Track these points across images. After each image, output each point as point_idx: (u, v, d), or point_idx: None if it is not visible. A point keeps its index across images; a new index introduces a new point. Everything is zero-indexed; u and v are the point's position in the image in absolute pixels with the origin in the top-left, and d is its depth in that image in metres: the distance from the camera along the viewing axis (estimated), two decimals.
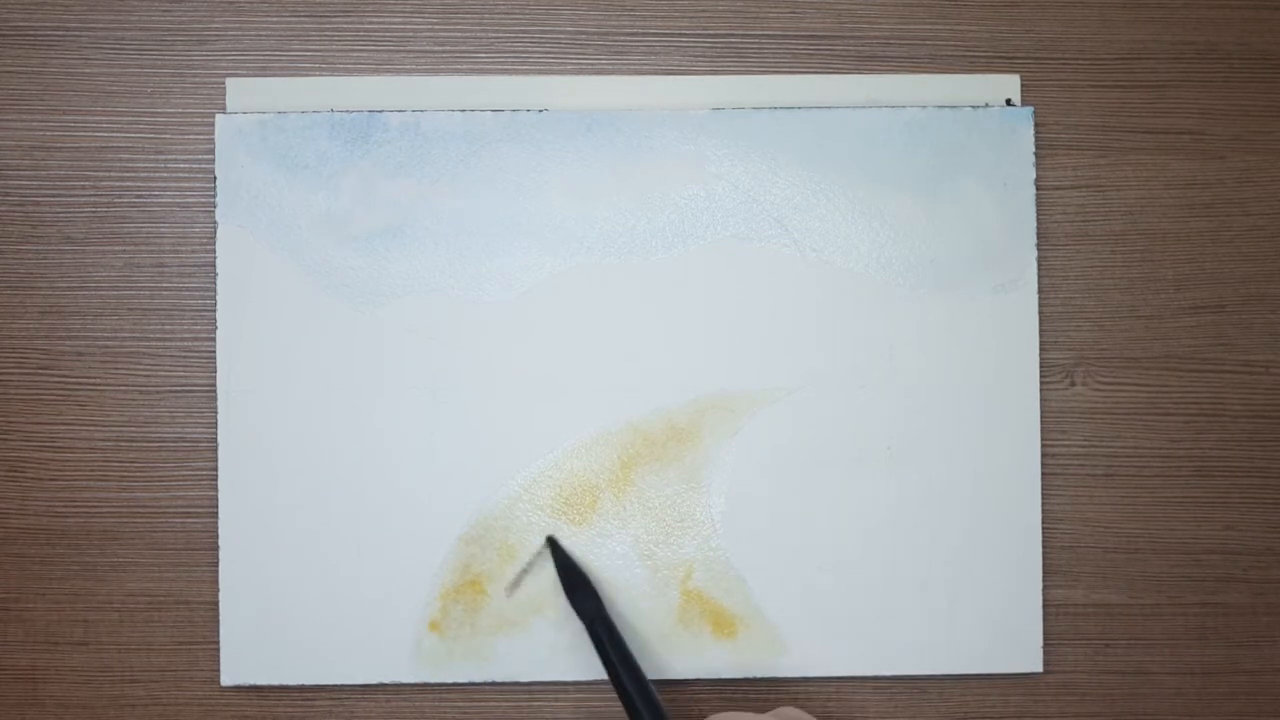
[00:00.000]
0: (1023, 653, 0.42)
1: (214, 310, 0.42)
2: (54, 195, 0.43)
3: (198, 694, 0.43)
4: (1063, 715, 0.43)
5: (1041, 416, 0.43)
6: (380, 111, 0.42)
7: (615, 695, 0.43)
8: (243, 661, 0.42)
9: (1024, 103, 0.43)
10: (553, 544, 0.42)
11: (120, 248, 0.43)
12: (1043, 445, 0.43)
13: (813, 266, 0.43)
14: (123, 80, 0.43)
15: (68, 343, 0.43)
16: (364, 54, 0.43)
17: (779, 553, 0.42)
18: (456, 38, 0.43)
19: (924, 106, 0.43)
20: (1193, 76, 0.44)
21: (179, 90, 0.43)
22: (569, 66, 0.43)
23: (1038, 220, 0.43)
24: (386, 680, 0.42)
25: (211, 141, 0.43)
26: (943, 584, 0.42)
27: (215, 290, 0.42)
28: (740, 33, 0.43)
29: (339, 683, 0.42)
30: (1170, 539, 0.44)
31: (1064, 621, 0.43)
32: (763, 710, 0.42)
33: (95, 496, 0.43)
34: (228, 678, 0.42)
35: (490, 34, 0.43)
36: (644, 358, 0.42)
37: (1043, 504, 0.43)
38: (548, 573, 0.42)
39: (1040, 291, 0.43)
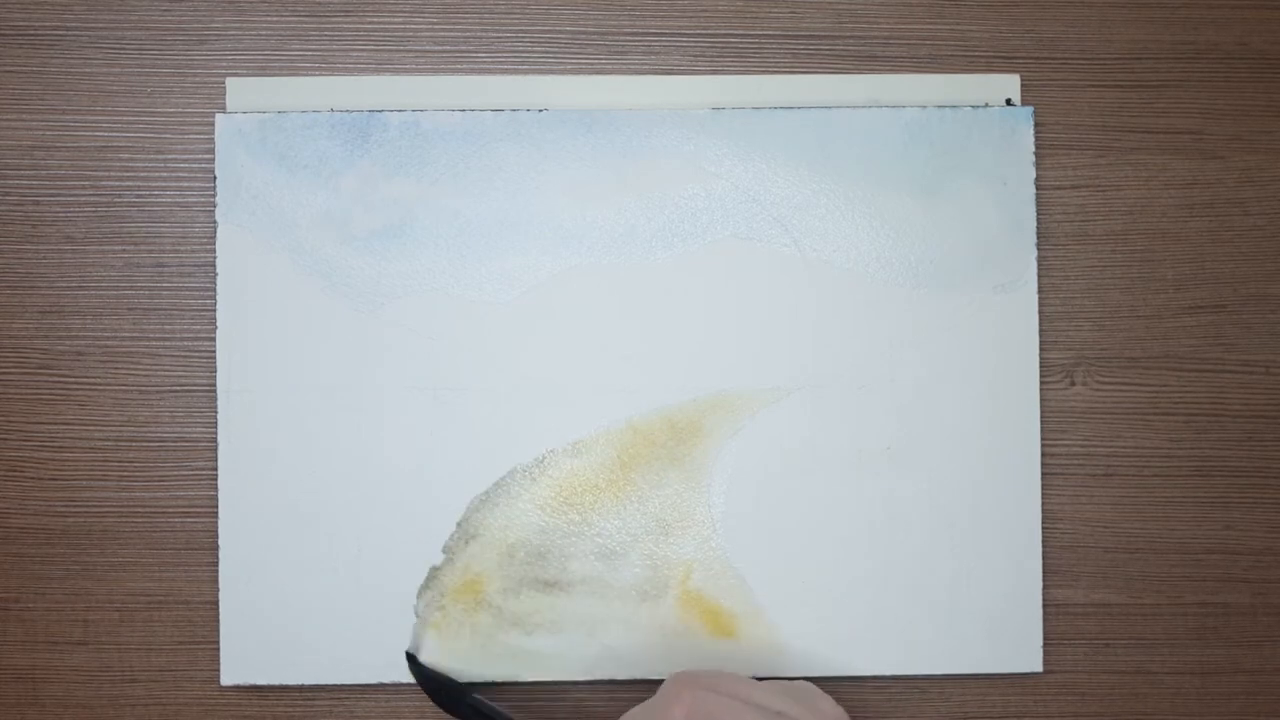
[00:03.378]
0: (1023, 653, 0.42)
1: (214, 310, 0.42)
2: (54, 195, 0.43)
3: (198, 694, 0.43)
4: (1063, 715, 0.43)
5: (1041, 416, 0.43)
6: (380, 111, 0.42)
7: (614, 696, 0.43)
8: (243, 661, 0.42)
9: (1024, 103, 0.43)
10: (410, 659, 0.42)
11: (120, 248, 0.43)
12: (1043, 445, 0.43)
13: (813, 266, 0.43)
14: (123, 80, 0.43)
15: (68, 343, 0.43)
16: (364, 54, 0.43)
17: (779, 553, 0.42)
18: (456, 38, 0.43)
19: (924, 106, 0.43)
20: (1193, 76, 0.44)
21: (179, 90, 0.43)
22: (569, 66, 0.43)
23: (1038, 220, 0.43)
24: (386, 680, 0.42)
25: (211, 141, 0.43)
26: (943, 584, 0.42)
27: (215, 290, 0.42)
28: (740, 33, 0.43)
29: (339, 683, 0.42)
30: (1170, 539, 0.44)
31: (1064, 621, 0.43)
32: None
33: (95, 496, 0.43)
34: (228, 677, 0.42)
35: (490, 34, 0.43)
36: (644, 358, 0.42)
37: (1043, 504, 0.43)
38: (536, 575, 0.42)
39: (1040, 291, 0.43)
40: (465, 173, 0.42)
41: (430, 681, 0.41)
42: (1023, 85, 0.43)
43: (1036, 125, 0.43)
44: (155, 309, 0.43)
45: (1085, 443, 0.43)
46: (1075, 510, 0.43)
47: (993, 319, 0.43)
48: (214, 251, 0.42)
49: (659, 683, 0.43)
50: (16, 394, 0.43)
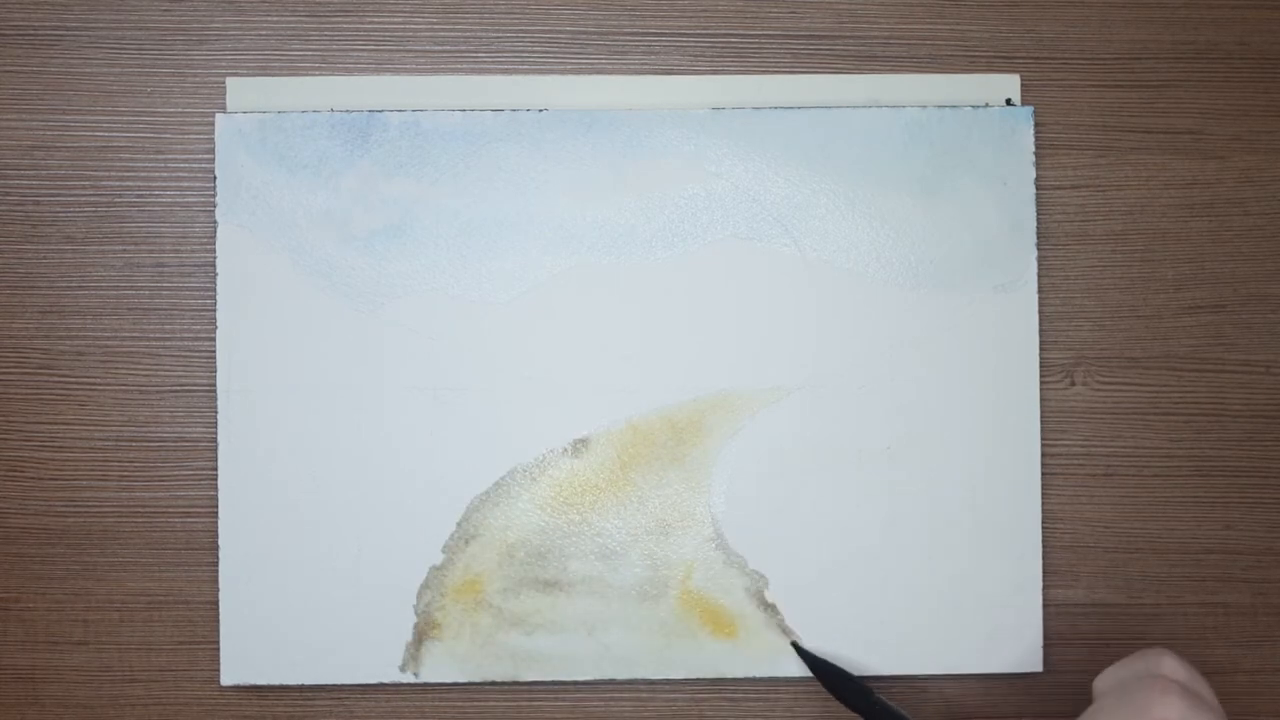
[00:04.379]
0: (1023, 653, 0.42)
1: (214, 310, 0.42)
2: (54, 195, 0.43)
3: (198, 694, 0.43)
4: (1063, 715, 0.43)
5: (1041, 416, 0.43)
6: (380, 111, 0.42)
7: (614, 695, 0.43)
8: (243, 661, 0.42)
9: (1024, 103, 0.43)
10: (799, 650, 0.42)
11: (120, 248, 0.43)
12: (1043, 445, 0.43)
13: (813, 266, 0.43)
14: (123, 80, 0.43)
15: (68, 343, 0.43)
16: (364, 54, 0.43)
17: (779, 553, 0.42)
18: (456, 38, 0.43)
19: (924, 106, 0.43)
20: (1193, 76, 0.44)
21: (179, 90, 0.43)
22: (569, 66, 0.43)
23: (1038, 220, 0.43)
24: (386, 680, 0.42)
25: (211, 141, 0.43)
26: (943, 584, 0.42)
27: (215, 290, 0.42)
28: (740, 33, 0.43)
29: (339, 683, 0.42)
30: (1170, 539, 0.44)
31: (1064, 621, 0.43)
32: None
33: (95, 496, 0.43)
34: (228, 677, 0.42)
35: (490, 34, 0.43)
36: (644, 358, 0.42)
37: (1043, 504, 0.43)
38: (536, 575, 0.42)
39: (1040, 291, 0.43)
40: (465, 173, 0.42)
41: (823, 670, 0.41)
42: (1023, 85, 0.43)
43: (1036, 125, 0.43)
44: (155, 309, 0.43)
45: (1085, 443, 0.43)
46: (1075, 510, 0.43)
47: (993, 319, 0.43)
48: (214, 251, 0.42)
49: (659, 683, 0.43)
50: (16, 394, 0.43)
